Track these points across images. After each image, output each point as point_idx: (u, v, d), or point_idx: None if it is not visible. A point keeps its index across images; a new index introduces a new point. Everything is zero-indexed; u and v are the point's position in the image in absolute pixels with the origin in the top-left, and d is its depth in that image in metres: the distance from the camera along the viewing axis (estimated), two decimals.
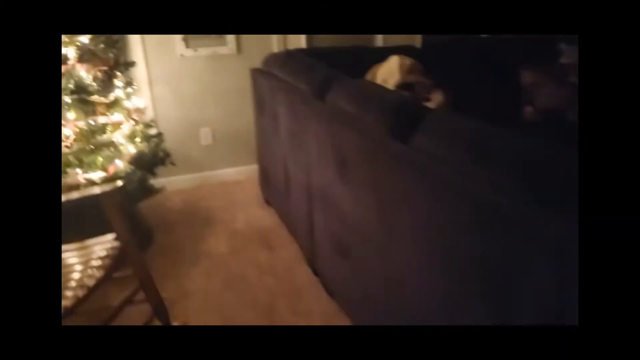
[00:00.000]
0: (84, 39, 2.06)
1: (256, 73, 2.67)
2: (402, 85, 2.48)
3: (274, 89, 2.38)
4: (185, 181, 3.20)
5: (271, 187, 2.75)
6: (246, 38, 3.09)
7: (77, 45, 2.03)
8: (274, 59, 2.56)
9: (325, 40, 3.29)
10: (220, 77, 3.11)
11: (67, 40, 2.00)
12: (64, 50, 1.99)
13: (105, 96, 2.14)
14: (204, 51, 3.00)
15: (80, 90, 2.04)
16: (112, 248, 1.63)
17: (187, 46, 2.95)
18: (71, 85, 2.00)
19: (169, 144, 2.95)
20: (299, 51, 2.66)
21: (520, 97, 2.92)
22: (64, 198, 1.61)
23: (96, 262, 1.56)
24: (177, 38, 2.91)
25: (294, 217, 2.34)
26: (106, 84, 2.16)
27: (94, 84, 2.09)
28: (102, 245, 1.66)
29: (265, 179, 2.84)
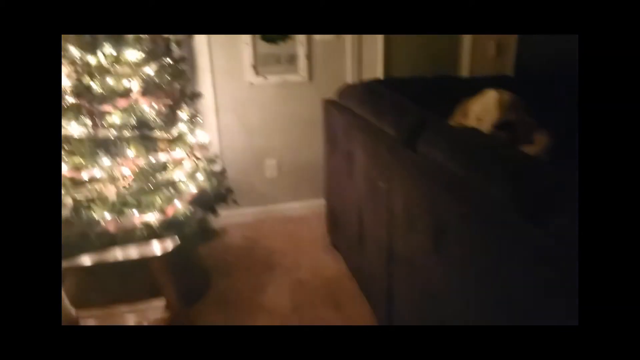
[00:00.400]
0: (150, 70, 1.90)
1: (329, 105, 2.42)
2: (501, 125, 2.14)
3: (349, 127, 2.13)
4: (248, 215, 3.02)
5: (340, 232, 2.48)
6: (318, 65, 2.90)
7: (142, 77, 1.87)
8: (350, 92, 2.30)
9: (403, 67, 3.01)
10: (290, 106, 2.93)
11: (131, 71, 1.84)
12: (127, 83, 1.84)
13: (168, 131, 1.97)
14: (273, 79, 2.83)
15: (142, 125, 1.88)
16: (164, 313, 1.55)
17: (257, 74, 2.79)
18: (133, 121, 1.85)
19: (232, 174, 2.85)
20: (379, 83, 2.38)
21: None
22: (116, 256, 1.58)
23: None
24: (247, 65, 2.76)
25: (367, 274, 2.05)
26: (169, 118, 1.99)
27: (157, 118, 1.93)
28: (155, 309, 1.58)
29: (333, 221, 2.58)
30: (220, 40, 2.68)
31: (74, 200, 1.85)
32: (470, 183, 1.24)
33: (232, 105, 2.84)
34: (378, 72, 2.98)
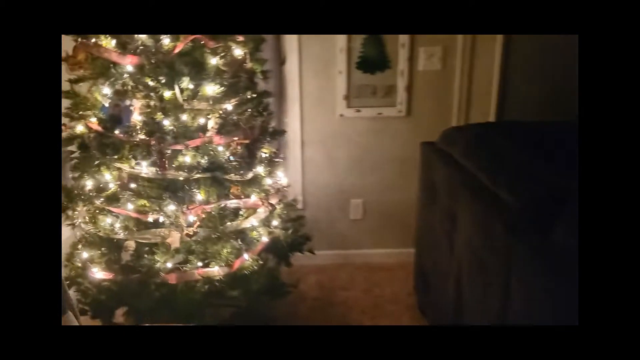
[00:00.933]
0: (229, 106, 1.71)
1: (429, 149, 2.11)
2: None
3: (452, 182, 1.81)
4: (325, 258, 2.80)
5: (429, 296, 2.15)
6: (419, 99, 2.62)
7: (219, 114, 1.68)
8: (456, 137, 1.96)
9: (523, 106, 2.59)
10: (383, 143, 2.70)
11: (208, 107, 1.66)
12: (202, 121, 1.66)
13: (243, 174, 1.78)
14: (367, 112, 2.62)
15: (215, 167, 1.72)
16: None
17: (349, 105, 2.59)
18: (204, 161, 1.68)
19: (312, 211, 2.72)
20: (493, 128, 2.00)
21: None
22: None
23: None
24: (339, 96, 2.58)
25: None
26: (246, 159, 1.81)
27: (232, 159, 1.76)
28: None
29: (423, 280, 2.25)
30: (313, 68, 2.54)
31: (137, 244, 1.74)
32: None
33: (320, 138, 2.68)
34: (491, 112, 2.66)
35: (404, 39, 2.45)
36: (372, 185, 2.77)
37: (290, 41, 2.47)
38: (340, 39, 2.47)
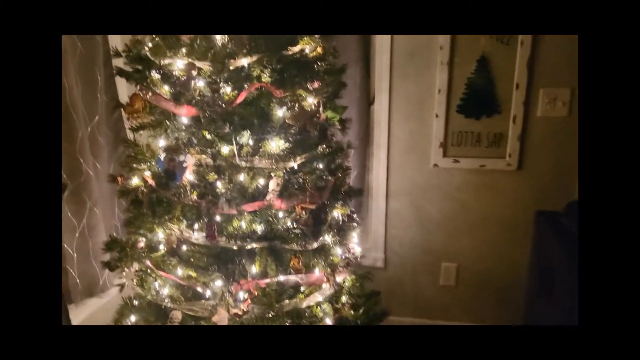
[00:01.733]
0: (295, 164, 1.46)
1: (546, 221, 1.78)
2: None
3: (572, 268, 1.37)
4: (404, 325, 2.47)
5: None
6: (535, 151, 2.25)
7: (283, 174, 1.45)
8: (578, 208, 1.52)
9: None
10: (485, 200, 2.38)
11: (271, 166, 1.44)
12: (262, 182, 1.44)
13: (307, 244, 1.52)
14: (467, 162, 2.30)
15: (273, 236, 1.50)
16: None
17: (445, 154, 2.28)
18: (261, 229, 1.46)
19: (394, 272, 2.54)
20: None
21: None
22: None
23: None
24: (434, 143, 2.29)
25: None
26: (311, 227, 1.55)
27: (294, 225, 1.52)
28: None
29: None
30: (405, 110, 2.31)
31: (183, 314, 1.57)
32: None
33: (409, 190, 2.44)
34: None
35: (519, 78, 2.08)
36: (468, 249, 2.47)
37: (380, 79, 2.24)
38: (439, 78, 2.18)
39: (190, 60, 1.46)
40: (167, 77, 1.52)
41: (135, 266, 1.65)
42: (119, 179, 1.65)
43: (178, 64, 1.47)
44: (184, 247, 1.58)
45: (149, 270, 1.64)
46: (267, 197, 1.50)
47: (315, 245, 1.57)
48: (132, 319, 1.71)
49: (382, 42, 2.23)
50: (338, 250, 1.65)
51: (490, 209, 2.38)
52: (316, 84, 1.55)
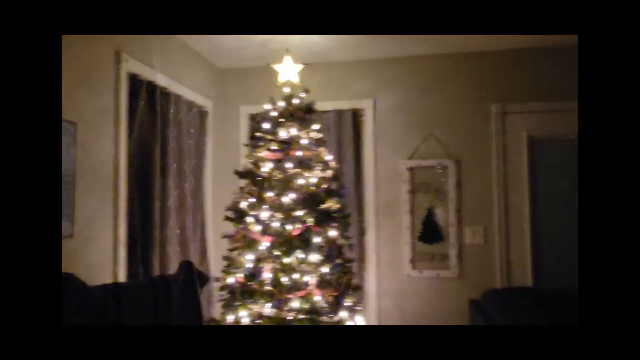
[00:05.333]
0: (325, 269, 2.22)
1: (474, 307, 2.40)
2: None
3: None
4: None
5: None
6: (468, 265, 2.89)
7: (318, 274, 2.21)
8: (493, 298, 2.27)
9: (556, 274, 2.79)
10: (441, 298, 2.92)
11: (311, 269, 2.19)
12: (306, 278, 2.19)
13: (331, 317, 2.17)
14: (428, 273, 2.93)
15: (313, 311, 2.12)
16: None
17: (414, 267, 2.95)
18: (306, 306, 2.13)
19: None
20: (523, 294, 2.29)
21: None
22: None
23: None
24: (406, 260, 2.95)
25: None
26: (334, 306, 2.21)
27: (324, 304, 2.17)
28: None
29: None
30: (385, 239, 2.98)
31: None
32: None
33: (392, 292, 2.96)
34: (527, 276, 2.82)
35: (452, 219, 2.88)
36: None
37: (368, 219, 3.00)
38: (405, 220, 2.93)
39: (270, 212, 2.21)
40: (257, 219, 2.22)
41: None
42: (219, 279, 2.36)
43: (262, 215, 2.26)
44: (259, 320, 2.22)
45: None
46: (309, 288, 2.17)
47: (337, 318, 2.17)
48: None
49: (368, 196, 3.00)
50: (349, 323, 2.24)
51: (446, 305, 2.86)
52: (335, 224, 2.39)
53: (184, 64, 2.74)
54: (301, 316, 2.12)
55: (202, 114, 2.93)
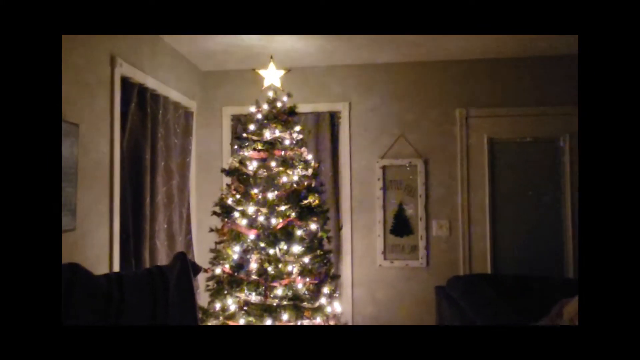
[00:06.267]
0: (306, 259, 2.35)
1: (439, 291, 2.58)
2: None
3: (453, 314, 2.26)
4: None
5: None
6: (435, 255, 3.07)
7: (300, 264, 2.34)
8: (457, 284, 2.47)
9: (510, 261, 3.04)
10: (410, 286, 3.09)
11: (294, 260, 2.31)
12: (290, 268, 2.32)
13: (312, 303, 2.29)
14: (398, 262, 3.10)
15: (295, 298, 2.24)
16: None
17: (385, 258, 3.11)
18: (290, 294, 2.25)
19: None
20: (483, 279, 2.50)
21: None
22: None
23: None
24: (378, 251, 3.11)
25: None
26: (314, 293, 2.32)
27: (306, 292, 2.28)
28: None
29: None
30: (360, 233, 3.12)
31: None
32: None
33: (365, 281, 3.11)
34: (487, 264, 3.03)
35: (421, 214, 3.05)
36: (404, 318, 3.04)
37: (344, 215, 3.13)
38: (378, 214, 3.08)
39: (256, 207, 2.30)
40: (243, 214, 2.29)
41: (214, 321, 2.30)
42: (207, 270, 2.43)
43: (249, 210, 2.32)
44: (245, 307, 2.29)
45: (224, 321, 2.24)
46: (292, 277, 2.26)
47: (317, 304, 2.28)
48: None
49: (344, 192, 3.12)
50: (329, 309, 2.36)
51: (414, 293, 3.04)
52: (315, 218, 2.48)
53: (171, 67, 2.80)
54: (284, 302, 2.22)
55: (188, 114, 3.00)
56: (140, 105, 2.40)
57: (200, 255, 2.96)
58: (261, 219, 2.32)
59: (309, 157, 2.54)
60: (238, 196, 2.40)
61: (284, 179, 2.37)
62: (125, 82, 2.27)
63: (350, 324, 3.10)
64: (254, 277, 2.29)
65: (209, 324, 2.30)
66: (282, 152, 2.43)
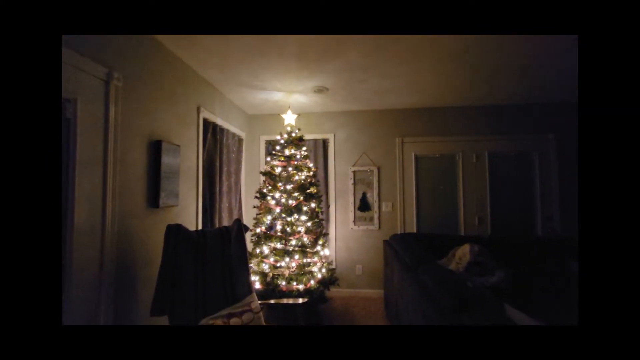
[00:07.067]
0: (309, 224, 2.44)
1: (386, 244, 2.63)
2: (473, 263, 2.18)
3: (392, 255, 2.30)
4: (345, 293, 3.08)
5: (389, 308, 2.44)
6: (384, 223, 3.08)
7: (306, 227, 2.43)
8: (395, 237, 2.53)
9: (429, 225, 3.12)
10: (370, 241, 3.11)
11: (301, 224, 2.42)
12: (299, 228, 2.42)
13: (312, 249, 2.38)
14: (363, 227, 3.11)
15: (303, 245, 2.33)
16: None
17: (355, 224, 3.14)
18: (299, 243, 2.33)
19: (339, 270, 2.99)
20: (410, 235, 2.57)
21: (568, 280, 2.19)
22: (285, 301, 1.66)
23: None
24: (351, 220, 3.12)
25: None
26: (313, 243, 2.42)
27: (308, 243, 2.37)
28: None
29: (386, 302, 2.55)
30: (340, 209, 3.12)
31: (272, 274, 2.26)
32: (436, 294, 1.39)
33: (343, 238, 3.11)
34: (414, 227, 3.06)
35: (375, 198, 3.08)
36: (366, 259, 3.05)
37: (331, 198, 3.13)
38: (350, 198, 3.08)
39: (280, 193, 2.38)
40: (273, 197, 2.34)
41: (255, 261, 2.40)
42: (252, 229, 2.51)
43: (276, 195, 2.43)
44: (273, 251, 2.39)
45: (262, 259, 2.34)
46: (301, 234, 2.34)
47: (315, 249, 2.37)
48: (253, 278, 2.32)
49: (331, 186, 3.15)
50: (322, 252, 2.45)
51: (372, 244, 3.01)
52: (314, 200, 2.56)
53: (230, 111, 2.85)
54: (296, 248, 2.29)
55: (239, 140, 3.05)
56: (213, 134, 2.48)
57: (246, 222, 3.01)
58: (283, 200, 2.38)
59: (311, 165, 2.60)
60: (269, 187, 2.47)
61: (296, 177, 2.44)
62: (205, 121, 2.36)
63: (334, 262, 3.11)
64: (279, 234, 2.36)
65: (252, 262, 2.32)
66: (295, 162, 2.50)
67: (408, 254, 2.00)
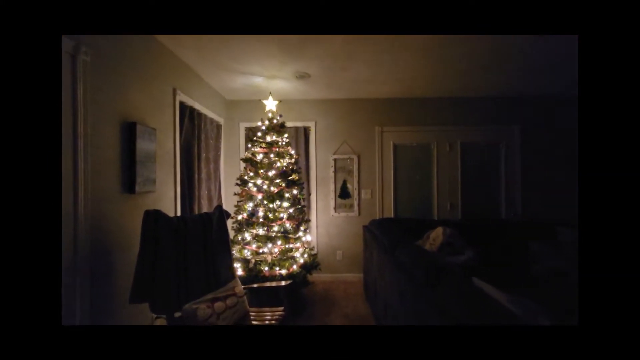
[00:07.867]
0: (291, 210, 2.45)
1: (365, 229, 2.69)
2: (445, 244, 2.32)
3: (371, 239, 2.36)
4: (326, 277, 3.15)
5: (368, 291, 2.53)
6: (364, 209, 3.14)
7: (288, 213, 2.44)
8: (374, 223, 2.58)
9: (406, 211, 3.21)
10: (350, 227, 3.16)
11: (283, 210, 2.40)
12: (282, 215, 2.41)
13: (294, 235, 2.39)
14: (343, 214, 3.16)
15: (285, 231, 2.33)
16: (280, 316, 1.57)
17: (335, 211, 3.18)
18: (282, 229, 2.32)
19: (321, 256, 3.03)
20: (388, 220, 2.65)
21: (528, 258, 2.42)
22: (268, 285, 1.66)
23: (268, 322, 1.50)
24: (331, 207, 3.16)
25: (378, 307, 2.16)
26: (296, 229, 2.43)
27: (291, 229, 2.38)
28: (278, 313, 1.59)
29: (366, 285, 2.64)
30: (321, 196, 3.13)
31: (255, 260, 2.26)
32: (412, 270, 1.47)
33: (324, 224, 3.14)
34: (392, 213, 3.16)
35: (355, 185, 3.12)
36: (346, 244, 3.12)
37: (312, 186, 3.14)
38: (331, 186, 3.11)
39: (262, 180, 2.36)
40: (254, 184, 2.30)
41: (237, 248, 2.37)
42: (232, 217, 2.46)
43: (258, 182, 2.39)
44: (256, 238, 2.33)
45: (243, 246, 2.31)
46: (283, 220, 2.34)
47: (297, 235, 2.38)
48: (235, 265, 2.28)
49: (312, 173, 3.13)
50: (304, 238, 2.46)
51: (352, 230, 3.06)
52: (296, 187, 2.52)
53: (209, 96, 2.75)
54: (279, 235, 2.29)
55: (218, 126, 2.95)
56: (190, 119, 2.39)
57: (227, 209, 2.93)
58: (265, 187, 2.35)
59: (292, 152, 2.58)
60: (251, 174, 2.43)
61: (278, 164, 2.41)
62: (182, 105, 2.27)
63: (315, 248, 3.14)
64: (261, 220, 2.34)
65: (234, 249, 2.30)
66: (277, 149, 2.47)
67: (386, 237, 2.07)
